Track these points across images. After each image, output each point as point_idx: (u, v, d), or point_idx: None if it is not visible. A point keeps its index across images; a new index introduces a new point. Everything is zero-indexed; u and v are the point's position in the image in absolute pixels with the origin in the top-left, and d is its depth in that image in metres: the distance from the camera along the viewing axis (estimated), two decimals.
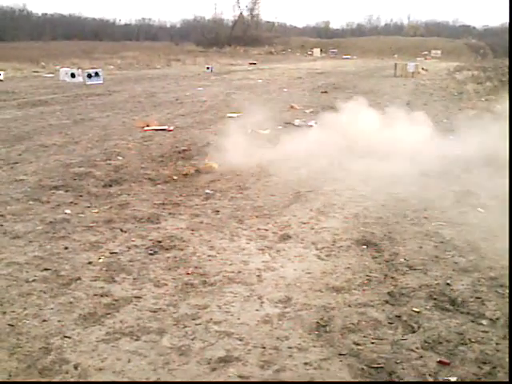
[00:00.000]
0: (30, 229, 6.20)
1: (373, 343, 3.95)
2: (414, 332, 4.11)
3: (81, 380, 3.47)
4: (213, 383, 3.22)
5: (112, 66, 37.24)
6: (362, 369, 3.63)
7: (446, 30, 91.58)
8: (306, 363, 3.69)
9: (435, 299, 4.61)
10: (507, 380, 3.29)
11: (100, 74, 24.74)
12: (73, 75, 24.83)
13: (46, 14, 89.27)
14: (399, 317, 4.34)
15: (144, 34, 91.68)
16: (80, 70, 25.61)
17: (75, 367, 3.60)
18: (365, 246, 5.78)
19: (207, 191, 7.73)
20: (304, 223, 6.47)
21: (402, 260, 5.44)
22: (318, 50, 71.18)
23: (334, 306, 4.48)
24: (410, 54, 61.29)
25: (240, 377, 3.51)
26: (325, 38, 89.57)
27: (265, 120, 13.86)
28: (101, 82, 24.21)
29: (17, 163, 9.29)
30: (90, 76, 24.22)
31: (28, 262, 5.28)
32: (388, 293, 4.74)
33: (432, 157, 9.43)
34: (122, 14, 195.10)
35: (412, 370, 3.61)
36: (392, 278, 5.05)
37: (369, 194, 7.63)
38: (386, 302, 4.59)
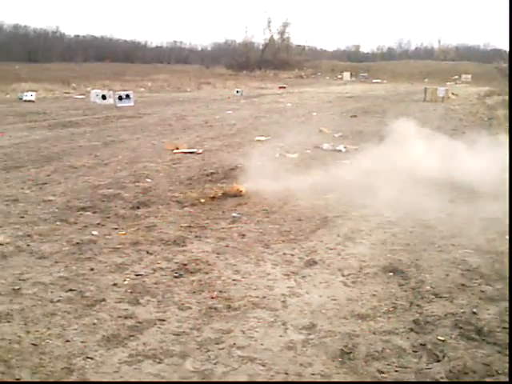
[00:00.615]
0: (57, 249, 6.25)
1: (397, 371, 3.90)
2: (438, 361, 4.05)
3: None
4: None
5: (143, 89, 37.71)
6: None
7: (477, 53, 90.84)
8: None
9: (461, 328, 4.54)
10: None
11: (131, 96, 25.01)
12: (104, 97, 25.16)
13: (78, 35, 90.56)
14: (424, 345, 4.27)
15: (175, 57, 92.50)
16: (111, 92, 25.95)
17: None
18: (391, 273, 5.72)
19: (234, 214, 7.73)
20: (331, 249, 6.43)
21: (428, 288, 5.36)
22: (348, 73, 71.36)
23: (359, 334, 4.43)
24: (440, 78, 61.08)
25: None
26: (355, 61, 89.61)
27: (293, 144, 13.92)
28: (131, 104, 24.47)
29: (45, 184, 9.41)
30: (120, 98, 24.49)
31: (53, 282, 5.31)
32: (413, 321, 4.67)
33: (458, 182, 9.34)
34: (154, 37, 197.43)
35: None
36: (418, 305, 4.98)
37: (397, 220, 7.57)
38: (411, 329, 4.52)
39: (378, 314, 4.80)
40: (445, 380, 3.51)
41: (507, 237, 6.83)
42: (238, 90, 35.79)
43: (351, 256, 6.22)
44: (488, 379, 3.79)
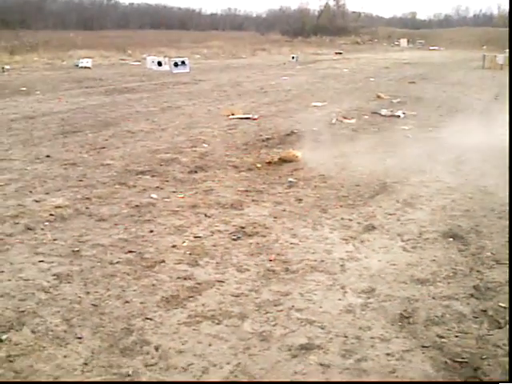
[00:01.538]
0: (116, 212, 6.32)
1: (457, 337, 3.83)
2: (500, 328, 3.96)
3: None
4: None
5: (198, 56, 37.73)
6: (446, 362, 3.51)
7: None
8: (387, 354, 3.61)
9: None
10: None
11: (186, 63, 25.02)
12: (159, 63, 25.22)
13: (132, 3, 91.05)
14: (485, 311, 4.18)
15: (230, 24, 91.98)
16: (167, 59, 25.99)
17: (156, 349, 3.64)
18: (451, 239, 5.61)
19: (290, 179, 7.68)
20: (390, 214, 6.34)
21: (489, 254, 5.24)
22: (405, 40, 69.85)
23: (418, 298, 4.37)
24: (500, 45, 59.15)
25: (321, 365, 3.47)
26: (412, 28, 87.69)
27: (350, 109, 13.78)
28: (187, 70, 24.49)
29: (103, 148, 9.53)
30: (176, 65, 24.53)
31: (112, 244, 5.38)
32: (473, 286, 4.58)
33: None
34: (208, 4, 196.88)
35: (498, 367, 3.46)
36: (478, 271, 4.88)
37: (456, 186, 7.42)
38: (472, 295, 4.43)
39: (438, 279, 4.72)
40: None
41: None
42: (294, 55, 35.45)
43: (410, 221, 6.12)
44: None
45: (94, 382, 3.03)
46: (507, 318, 4.07)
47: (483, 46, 61.82)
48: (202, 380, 3.33)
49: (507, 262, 5.02)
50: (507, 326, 3.96)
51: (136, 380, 3.32)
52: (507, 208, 6.53)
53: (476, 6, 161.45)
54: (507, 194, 7.04)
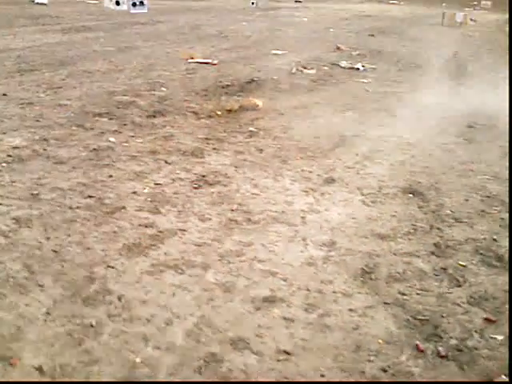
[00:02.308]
0: (74, 155, 6.19)
1: (418, 294, 3.88)
2: (459, 286, 4.03)
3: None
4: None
5: None
6: (408, 320, 3.57)
7: None
8: (350, 309, 3.64)
9: (482, 254, 4.50)
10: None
11: (145, 2, 24.39)
12: (117, 3, 24.51)
13: None
14: (445, 269, 4.25)
15: None
16: None
17: (119, 298, 3.60)
18: (411, 195, 5.67)
19: (251, 129, 7.62)
20: (349, 168, 6.36)
21: (448, 212, 5.32)
22: None
23: (379, 254, 4.41)
24: (459, 3, 59.21)
25: (284, 319, 3.49)
26: None
27: (310, 59, 13.67)
28: (145, 10, 23.90)
29: (60, 88, 9.28)
30: (134, 4, 23.89)
31: (71, 188, 5.28)
32: (434, 244, 4.64)
33: (477, 109, 9.19)
34: None
35: (458, 326, 3.53)
36: (438, 229, 4.94)
37: (416, 142, 7.47)
38: (432, 253, 4.49)
39: (399, 235, 4.77)
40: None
41: None
42: (253, 1, 34.88)
43: (370, 175, 6.15)
44: (508, 306, 3.77)
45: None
46: (466, 276, 4.14)
47: (443, 3, 61.86)
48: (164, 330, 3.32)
49: (466, 221, 5.11)
50: (466, 284, 4.04)
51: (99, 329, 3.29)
52: (466, 167, 6.63)
53: None
54: (466, 152, 7.15)
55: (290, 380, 3.01)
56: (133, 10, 23.41)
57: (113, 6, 24.05)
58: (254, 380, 2.99)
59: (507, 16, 41.17)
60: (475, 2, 63.56)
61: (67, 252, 4.12)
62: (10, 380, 2.87)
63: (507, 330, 3.50)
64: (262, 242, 4.47)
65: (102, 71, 10.83)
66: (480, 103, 9.58)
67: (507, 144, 7.45)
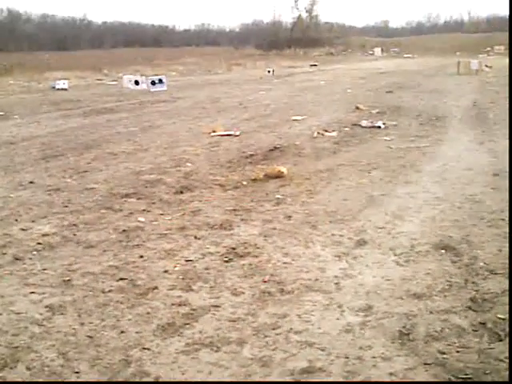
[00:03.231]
0: (104, 238, 6.22)
1: (458, 352, 3.78)
2: (501, 340, 3.92)
3: None
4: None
5: (174, 73, 37.71)
6: (449, 379, 3.48)
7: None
8: (390, 373, 3.55)
9: None
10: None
11: (164, 80, 24.99)
12: (136, 82, 25.15)
13: (105, 22, 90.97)
14: (484, 324, 4.14)
15: (203, 40, 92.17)
16: (144, 77, 25.92)
17: (156, 380, 3.57)
18: (443, 251, 5.59)
19: (278, 196, 7.63)
20: (380, 228, 6.31)
21: (482, 264, 5.22)
22: (379, 49, 70.54)
23: (416, 313, 4.33)
24: (472, 51, 59.80)
25: None
26: (385, 37, 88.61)
27: (331, 122, 13.80)
28: (165, 88, 24.45)
29: (86, 171, 9.42)
30: (153, 83, 24.47)
31: (103, 271, 5.27)
32: (470, 298, 4.54)
33: (501, 157, 9.14)
34: (181, 20, 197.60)
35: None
36: (473, 283, 4.84)
37: (444, 195, 7.43)
38: (469, 308, 4.40)
39: (434, 292, 4.68)
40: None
41: None
42: (269, 69, 35.53)
43: (401, 234, 6.09)
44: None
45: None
46: (507, 329, 4.04)
47: (456, 52, 62.49)
48: None
49: (501, 272, 5.01)
50: (507, 339, 3.93)
51: None
52: (496, 216, 6.55)
53: (447, 13, 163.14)
54: (495, 202, 7.07)
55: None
56: (153, 89, 23.94)
57: (132, 86, 24.64)
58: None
59: None
60: (488, 48, 64.14)
61: (102, 337, 4.09)
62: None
63: None
64: (297, 312, 4.41)
65: (127, 152, 11.00)
66: (503, 151, 9.55)
67: None
